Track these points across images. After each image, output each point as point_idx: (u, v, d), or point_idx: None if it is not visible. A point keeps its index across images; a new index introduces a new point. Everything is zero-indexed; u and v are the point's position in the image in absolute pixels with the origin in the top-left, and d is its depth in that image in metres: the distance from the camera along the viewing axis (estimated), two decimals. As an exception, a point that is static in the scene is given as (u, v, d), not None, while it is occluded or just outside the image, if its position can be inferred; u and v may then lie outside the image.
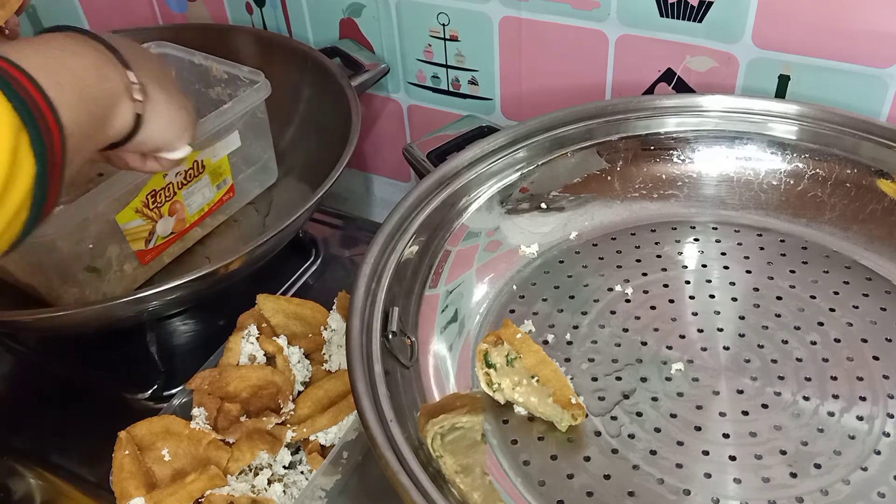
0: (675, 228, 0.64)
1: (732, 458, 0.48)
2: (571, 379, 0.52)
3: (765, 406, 0.51)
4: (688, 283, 0.60)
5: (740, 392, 0.52)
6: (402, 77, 0.86)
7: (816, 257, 0.61)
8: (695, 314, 0.57)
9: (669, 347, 0.55)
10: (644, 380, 0.53)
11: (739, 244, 0.62)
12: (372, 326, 0.51)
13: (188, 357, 0.70)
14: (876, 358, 0.53)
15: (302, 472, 0.58)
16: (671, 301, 0.58)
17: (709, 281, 0.60)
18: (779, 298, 0.58)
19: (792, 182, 0.65)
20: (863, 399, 0.51)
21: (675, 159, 0.67)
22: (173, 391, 0.66)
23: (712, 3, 0.65)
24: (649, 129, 0.67)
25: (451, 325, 0.58)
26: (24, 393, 0.72)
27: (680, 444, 0.49)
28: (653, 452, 0.49)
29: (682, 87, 0.72)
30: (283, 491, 0.56)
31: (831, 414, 0.50)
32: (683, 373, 0.53)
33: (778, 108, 0.65)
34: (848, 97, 0.65)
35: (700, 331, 0.56)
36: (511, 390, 0.51)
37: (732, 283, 0.59)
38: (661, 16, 0.68)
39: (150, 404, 0.66)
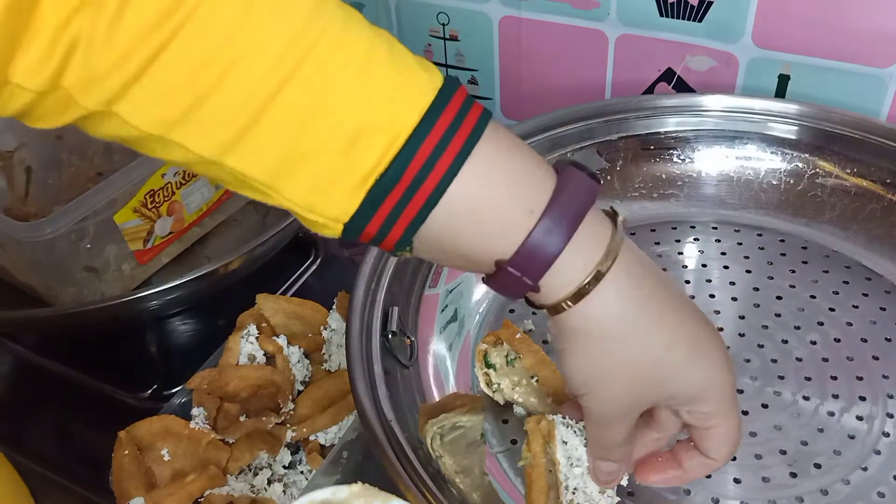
0: (675, 228, 0.64)
1: (732, 458, 0.48)
2: (571, 379, 0.52)
3: (765, 406, 0.51)
4: (688, 282, 0.60)
5: (740, 392, 0.52)
6: (402, 77, 0.85)
7: (816, 257, 0.61)
8: (695, 314, 0.57)
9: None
10: (644, 380, 0.53)
11: (739, 244, 0.62)
12: (372, 326, 0.51)
13: (188, 357, 0.70)
14: (876, 358, 0.53)
15: (302, 472, 0.58)
16: (671, 301, 0.58)
17: (709, 280, 0.60)
18: (779, 298, 0.58)
19: (792, 182, 0.65)
20: (863, 399, 0.51)
21: (675, 159, 0.67)
22: (173, 391, 0.65)
23: (712, 2, 0.65)
24: (649, 128, 0.67)
25: (451, 324, 0.58)
26: (24, 393, 0.72)
27: (680, 443, 0.49)
28: (653, 452, 0.49)
29: (682, 87, 0.72)
30: (283, 491, 0.56)
31: (831, 414, 0.50)
32: (683, 373, 0.53)
33: (778, 107, 0.65)
34: (848, 97, 0.65)
35: (700, 331, 0.56)
36: (511, 390, 0.51)
37: (732, 283, 0.59)
38: (661, 15, 0.68)
39: (149, 404, 0.66)
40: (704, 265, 0.61)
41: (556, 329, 0.37)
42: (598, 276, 0.34)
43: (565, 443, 0.42)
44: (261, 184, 0.33)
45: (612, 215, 0.36)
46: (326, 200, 0.33)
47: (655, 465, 0.42)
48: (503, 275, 0.35)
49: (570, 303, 0.35)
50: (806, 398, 0.51)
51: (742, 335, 0.55)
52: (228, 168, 0.33)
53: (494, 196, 0.34)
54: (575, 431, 0.43)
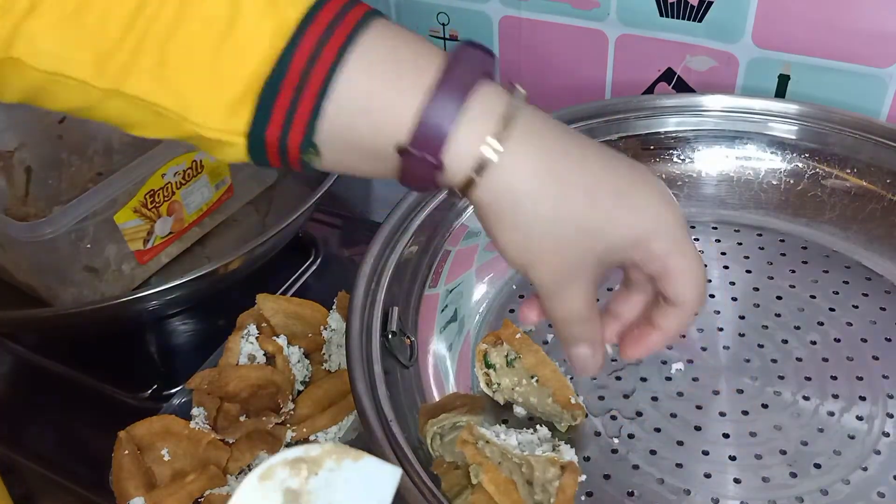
0: (675, 228, 0.64)
1: (732, 458, 0.48)
2: (571, 379, 0.52)
3: (765, 406, 0.51)
4: (688, 282, 0.60)
5: (740, 392, 0.52)
6: (402, 77, 0.85)
7: (816, 257, 0.61)
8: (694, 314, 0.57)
9: (669, 347, 0.55)
10: (644, 379, 0.53)
11: (739, 244, 0.62)
12: (372, 326, 0.51)
13: (188, 357, 0.70)
14: (876, 358, 0.53)
15: (302, 472, 0.58)
16: (671, 301, 0.58)
17: (709, 281, 0.60)
18: (779, 298, 0.58)
19: (792, 182, 0.65)
20: (863, 399, 0.51)
21: (675, 159, 0.67)
22: (173, 391, 0.65)
23: (712, 2, 0.65)
24: (649, 128, 0.67)
25: (451, 324, 0.58)
26: (24, 393, 0.72)
27: (680, 443, 0.49)
28: (653, 452, 0.49)
29: (682, 87, 0.72)
30: (283, 491, 0.56)
31: (831, 414, 0.50)
32: (683, 372, 0.53)
33: (778, 107, 0.65)
34: (848, 97, 0.65)
35: (700, 330, 0.56)
36: (511, 390, 0.51)
37: (732, 283, 0.59)
38: (661, 15, 0.68)
39: (149, 404, 0.66)
40: (704, 265, 0.61)
41: (476, 210, 0.37)
42: (496, 146, 0.34)
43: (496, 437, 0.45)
44: (166, 109, 0.34)
45: (511, 88, 0.36)
46: (224, 112, 0.34)
47: (634, 337, 0.42)
48: (407, 161, 0.35)
49: (476, 175, 0.35)
50: (806, 398, 0.51)
51: (742, 335, 0.55)
52: (132, 97, 0.34)
53: (382, 83, 0.34)
54: (494, 432, 0.46)
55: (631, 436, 0.50)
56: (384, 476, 0.31)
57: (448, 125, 0.34)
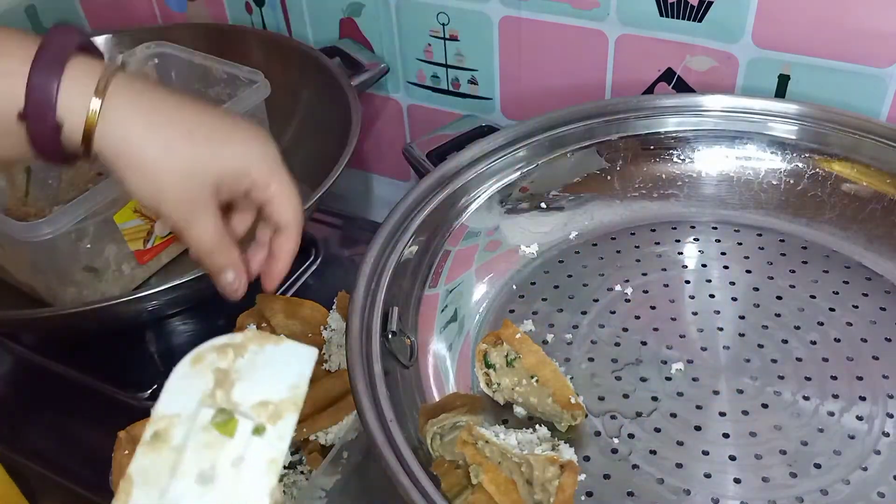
0: (675, 228, 0.64)
1: (732, 458, 0.48)
2: (571, 379, 0.52)
3: (765, 406, 0.51)
4: (688, 282, 0.60)
5: (740, 392, 0.52)
6: (402, 77, 0.86)
7: (816, 257, 0.61)
8: (695, 314, 0.57)
9: (669, 347, 0.55)
10: (644, 379, 0.53)
11: (739, 244, 0.62)
12: (372, 326, 0.51)
13: (188, 357, 0.70)
14: (876, 358, 0.53)
15: (302, 472, 0.58)
16: (671, 301, 0.58)
17: (709, 281, 0.60)
18: (779, 298, 0.58)
19: (792, 182, 0.65)
20: (863, 399, 0.51)
21: (675, 159, 0.67)
22: (173, 391, 0.65)
23: (712, 2, 0.65)
24: (649, 128, 0.67)
25: (451, 324, 0.58)
26: (24, 393, 0.72)
27: (680, 443, 0.49)
28: (653, 452, 0.49)
29: (682, 87, 0.72)
30: (283, 491, 0.56)
31: (831, 414, 0.50)
32: (683, 372, 0.53)
33: (778, 107, 0.65)
34: (848, 97, 0.65)
35: (700, 330, 0.56)
36: (510, 390, 0.51)
37: (732, 283, 0.59)
38: (661, 15, 0.68)
39: (150, 404, 0.66)
40: (704, 265, 0.61)
41: (105, 164, 0.42)
42: (100, 99, 0.41)
43: (495, 437, 0.46)
44: None
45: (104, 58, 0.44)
46: None
47: (264, 273, 0.51)
48: (31, 126, 0.40)
49: (90, 127, 0.41)
50: (806, 398, 0.51)
51: (742, 335, 0.55)
52: None
53: None
54: (494, 432, 0.46)
55: (631, 436, 0.50)
56: (302, 355, 0.36)
57: (54, 86, 0.40)
